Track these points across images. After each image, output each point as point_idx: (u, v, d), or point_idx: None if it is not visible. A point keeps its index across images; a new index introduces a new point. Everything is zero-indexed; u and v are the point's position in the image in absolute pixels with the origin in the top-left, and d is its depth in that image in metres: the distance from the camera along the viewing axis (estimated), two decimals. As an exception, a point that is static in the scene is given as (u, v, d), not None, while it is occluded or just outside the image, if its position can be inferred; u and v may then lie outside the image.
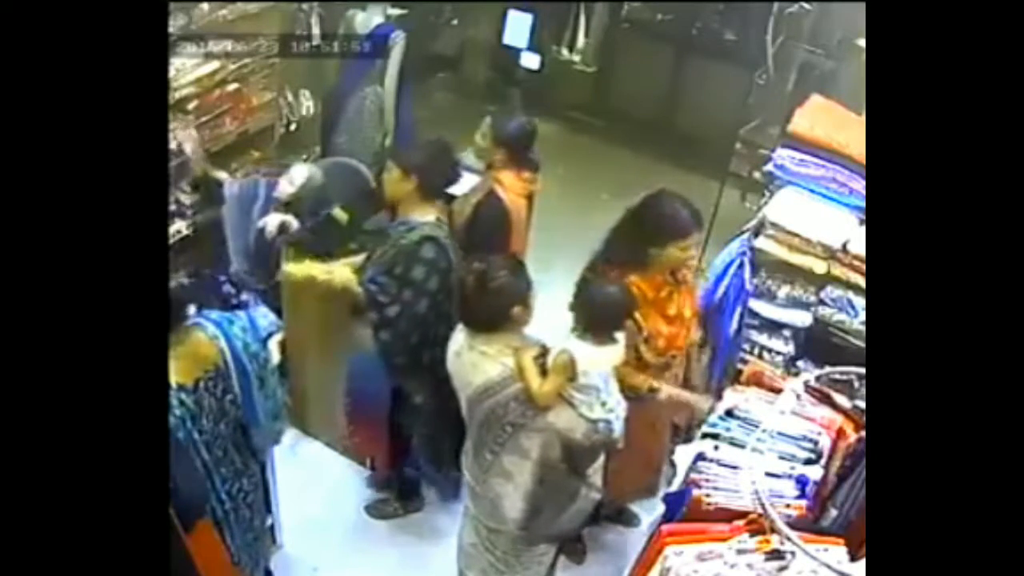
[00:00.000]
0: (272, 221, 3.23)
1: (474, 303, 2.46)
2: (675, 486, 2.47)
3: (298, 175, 3.36)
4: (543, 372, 2.42)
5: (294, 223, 3.22)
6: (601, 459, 2.65)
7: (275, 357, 2.55)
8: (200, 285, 3.78)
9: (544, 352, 2.47)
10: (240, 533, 2.63)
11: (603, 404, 2.50)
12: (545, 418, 2.42)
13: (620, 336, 2.53)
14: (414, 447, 3.31)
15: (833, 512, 2.44)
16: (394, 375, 3.02)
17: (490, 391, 2.43)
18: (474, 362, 2.46)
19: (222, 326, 2.37)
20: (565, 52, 6.43)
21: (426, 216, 2.86)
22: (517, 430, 2.44)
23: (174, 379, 2.21)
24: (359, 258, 3.05)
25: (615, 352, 2.53)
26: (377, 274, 2.86)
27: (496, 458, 2.50)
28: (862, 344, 3.09)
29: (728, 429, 2.44)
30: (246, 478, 2.59)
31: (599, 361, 2.48)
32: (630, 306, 2.58)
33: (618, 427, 2.54)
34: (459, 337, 2.53)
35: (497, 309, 2.44)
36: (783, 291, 3.30)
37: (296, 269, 2.97)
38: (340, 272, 2.94)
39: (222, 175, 3.77)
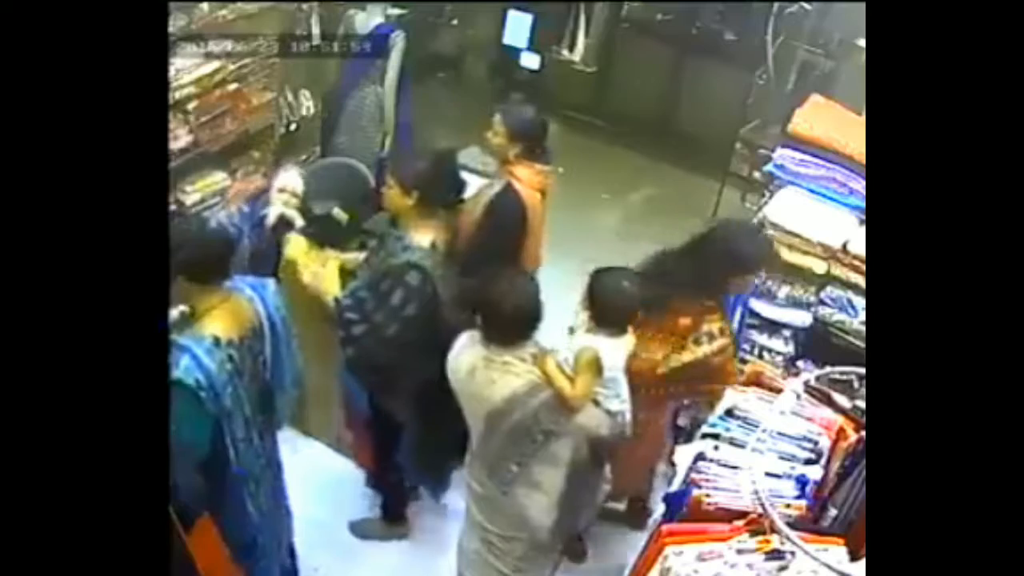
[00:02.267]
0: (274, 211, 3.13)
1: (507, 318, 2.39)
2: (675, 486, 2.47)
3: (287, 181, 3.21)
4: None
5: (297, 220, 3.14)
6: None
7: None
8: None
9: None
10: (265, 496, 2.58)
11: (618, 396, 2.54)
12: (576, 421, 2.40)
13: (629, 328, 2.54)
14: (400, 453, 3.26)
15: (833, 512, 2.44)
16: (367, 389, 2.99)
17: (515, 403, 2.37)
18: (492, 378, 2.39)
19: (257, 289, 2.41)
20: (565, 52, 6.42)
21: (423, 236, 2.76)
22: (549, 438, 2.39)
23: (224, 334, 2.25)
24: (360, 256, 3.03)
25: (628, 344, 2.55)
26: (359, 288, 2.80)
27: (523, 469, 2.43)
28: (862, 344, 3.09)
29: (728, 429, 2.44)
30: (269, 436, 2.59)
31: (616, 354, 2.50)
32: (639, 298, 2.58)
33: (629, 417, 2.56)
34: (471, 354, 2.45)
35: (529, 323, 2.41)
36: (783, 291, 3.31)
37: (292, 258, 2.91)
38: (328, 277, 2.87)
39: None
